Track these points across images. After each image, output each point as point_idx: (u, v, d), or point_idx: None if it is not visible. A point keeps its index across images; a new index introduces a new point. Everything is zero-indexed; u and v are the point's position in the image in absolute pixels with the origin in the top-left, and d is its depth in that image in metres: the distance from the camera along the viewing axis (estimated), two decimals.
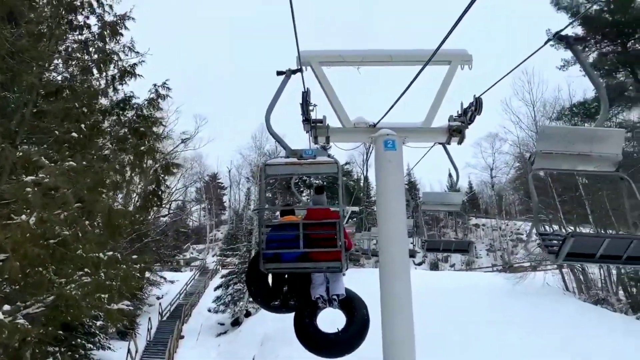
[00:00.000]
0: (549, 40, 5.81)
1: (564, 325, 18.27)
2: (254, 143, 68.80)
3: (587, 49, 29.50)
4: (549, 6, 32.52)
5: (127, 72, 12.46)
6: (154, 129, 9.61)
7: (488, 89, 8.18)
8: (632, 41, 29.00)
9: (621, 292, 25.64)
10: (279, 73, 7.61)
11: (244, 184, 73.71)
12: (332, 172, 6.80)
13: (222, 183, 79.89)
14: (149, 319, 26.67)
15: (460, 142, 8.97)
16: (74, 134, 7.16)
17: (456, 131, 8.75)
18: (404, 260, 7.86)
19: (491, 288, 25.99)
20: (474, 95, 8.39)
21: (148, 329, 25.78)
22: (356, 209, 37.64)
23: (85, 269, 6.36)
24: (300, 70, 7.77)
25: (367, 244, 26.85)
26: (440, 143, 9.17)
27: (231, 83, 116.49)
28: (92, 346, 20.27)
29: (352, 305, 7.02)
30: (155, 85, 14.75)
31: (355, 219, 41.53)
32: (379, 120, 8.67)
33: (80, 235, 5.71)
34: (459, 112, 8.85)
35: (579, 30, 30.89)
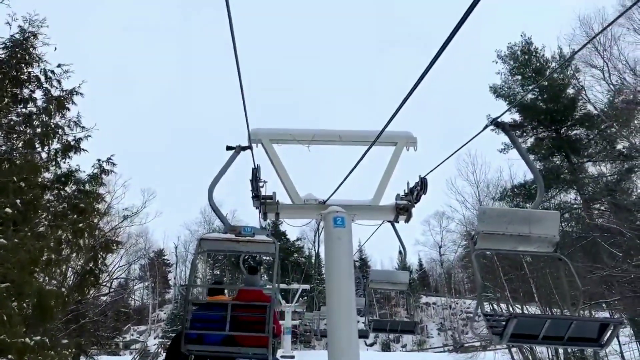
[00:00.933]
0: (487, 126, 6.17)
1: None
2: (202, 218, 67.75)
3: (524, 134, 31.62)
4: (489, 93, 35.04)
5: (71, 147, 12.10)
6: (96, 204, 9.26)
7: (431, 171, 8.52)
8: (565, 128, 31.30)
9: None
10: (229, 148, 7.67)
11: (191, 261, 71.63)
12: (270, 252, 6.59)
13: (168, 260, 77.19)
14: None
15: (407, 220, 9.15)
16: (8, 210, 6.77)
17: (403, 209, 8.96)
18: (353, 341, 7.66)
19: None
20: (419, 176, 8.68)
21: None
22: (307, 286, 37.00)
23: (9, 356, 5.76)
24: (250, 147, 7.86)
25: (317, 323, 26.21)
26: (388, 221, 9.35)
27: (180, 158, 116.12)
28: None
29: None
30: (99, 160, 14.40)
31: (305, 297, 40.68)
32: (329, 198, 8.77)
33: (5, 318, 5.22)
34: (406, 191, 9.11)
35: (517, 117, 33.29)
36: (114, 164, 14.29)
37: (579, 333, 4.23)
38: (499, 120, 6.42)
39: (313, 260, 55.74)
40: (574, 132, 31.22)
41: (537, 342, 4.31)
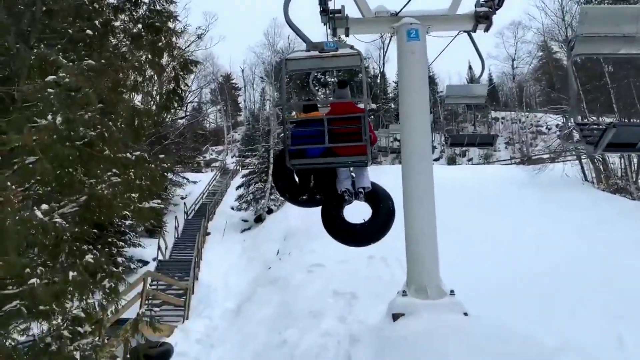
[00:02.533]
0: None
1: (581, 213, 18.53)
2: (266, 40, 66.78)
3: None
4: None
5: None
6: (169, 24, 9.20)
7: None
8: None
9: None
10: None
11: (259, 84, 72.49)
12: (355, 64, 6.57)
13: (236, 84, 78.66)
14: (175, 217, 27.68)
15: (487, 29, 8.61)
16: (89, 32, 6.91)
17: (483, 17, 8.40)
18: (427, 155, 7.89)
19: (510, 179, 26.11)
20: None
21: (175, 226, 26.84)
22: (374, 106, 37.26)
23: (114, 169, 6.45)
24: None
25: (385, 141, 26.84)
26: (465, 31, 8.81)
27: None
28: (123, 244, 21.39)
29: (378, 198, 7.13)
30: None
31: (372, 116, 41.15)
32: (402, 9, 8.29)
33: (106, 135, 5.71)
34: None
35: None
36: None
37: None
38: None
39: (379, 80, 55.07)
40: None
41: (635, 150, 4.32)
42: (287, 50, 50.79)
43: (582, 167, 29.15)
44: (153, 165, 7.01)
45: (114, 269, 7.15)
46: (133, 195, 6.88)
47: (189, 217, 31.79)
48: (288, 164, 6.12)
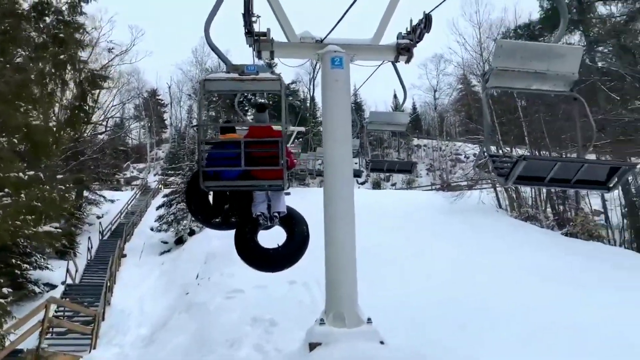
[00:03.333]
0: None
1: (495, 239, 19.44)
2: (194, 58, 65.81)
3: None
4: None
5: None
6: (77, 35, 8.65)
7: (437, 6, 7.97)
8: None
9: (549, 210, 27.41)
10: None
11: (186, 101, 71.09)
12: (276, 89, 6.51)
13: (162, 100, 76.63)
14: (89, 238, 26.18)
15: (408, 61, 8.84)
16: None
17: (404, 49, 8.60)
18: (349, 180, 7.88)
19: (430, 205, 27.08)
20: (424, 12, 8.15)
21: (88, 248, 25.35)
22: (302, 129, 37.40)
23: (5, 189, 5.89)
24: None
25: (312, 164, 27.03)
26: (389, 61, 9.01)
27: None
28: (28, 266, 19.78)
29: (293, 222, 7.17)
30: None
31: (301, 139, 41.37)
32: (326, 36, 8.34)
33: None
34: (408, 30, 8.65)
35: None
36: None
37: (587, 176, 4.24)
38: None
39: (308, 104, 55.69)
40: None
41: (543, 184, 4.42)
42: (215, 69, 50.24)
43: (497, 195, 30.77)
44: (49, 187, 6.48)
45: None
46: (28, 217, 6.31)
47: (104, 238, 30.19)
48: (202, 185, 5.95)
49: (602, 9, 26.90)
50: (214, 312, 12.45)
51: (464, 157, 61.14)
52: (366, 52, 8.72)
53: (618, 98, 20.89)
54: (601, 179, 4.35)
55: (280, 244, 7.08)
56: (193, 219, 28.83)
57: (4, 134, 5.76)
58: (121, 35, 56.36)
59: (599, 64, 25.54)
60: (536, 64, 4.54)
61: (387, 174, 54.70)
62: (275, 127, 6.93)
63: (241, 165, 5.82)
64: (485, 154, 4.81)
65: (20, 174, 5.86)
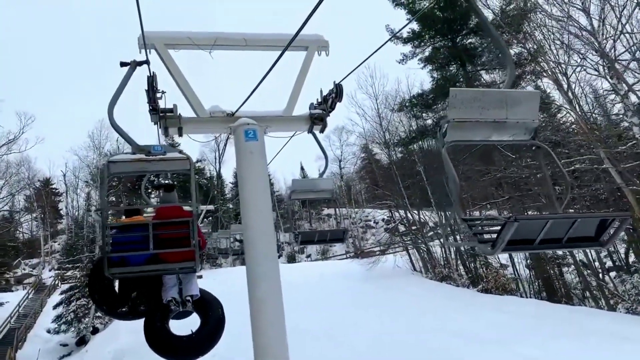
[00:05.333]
0: (389, 39, 5.77)
1: (414, 303, 19.49)
2: (91, 142, 63.08)
3: (422, 44, 32.02)
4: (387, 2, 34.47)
5: None
6: None
7: (346, 77, 8.13)
8: (460, 37, 32.07)
9: (462, 268, 28.28)
10: (123, 64, 6.95)
11: (83, 189, 67.07)
12: (184, 168, 6.27)
13: (56, 189, 71.82)
14: None
15: (322, 130, 8.78)
16: None
17: (318, 119, 8.54)
18: (273, 257, 7.39)
19: (347, 274, 26.98)
20: (334, 82, 8.23)
21: None
22: (211, 207, 36.44)
23: None
24: (147, 62, 7.13)
25: (225, 242, 25.98)
26: (302, 132, 8.92)
27: (61, 77, 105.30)
28: None
29: (207, 306, 6.87)
30: None
31: (210, 218, 40.20)
32: (238, 109, 8.10)
33: None
34: (319, 100, 8.67)
35: (415, 26, 33.36)
36: None
37: (578, 232, 3.87)
38: None
39: (215, 182, 54.88)
40: (469, 40, 32.18)
41: (533, 247, 3.86)
42: (115, 152, 48.31)
43: (410, 258, 31.39)
44: None
45: None
46: None
47: None
48: (107, 272, 5.43)
49: (486, 77, 29.63)
50: None
51: (374, 222, 62.67)
52: (280, 124, 8.58)
53: (513, 156, 22.39)
54: (590, 234, 3.97)
55: (194, 331, 6.65)
56: (96, 313, 26.48)
57: None
58: (8, 122, 53.14)
59: None
60: (494, 112, 4.29)
61: (302, 246, 54.36)
62: (186, 208, 6.74)
63: (150, 249, 5.47)
64: (458, 218, 4.29)
65: None
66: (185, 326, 6.69)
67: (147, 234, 5.51)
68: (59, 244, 62.53)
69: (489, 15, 21.69)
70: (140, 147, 5.97)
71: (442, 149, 4.26)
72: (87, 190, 64.26)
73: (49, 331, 28.68)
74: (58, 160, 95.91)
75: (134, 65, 6.85)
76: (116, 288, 6.67)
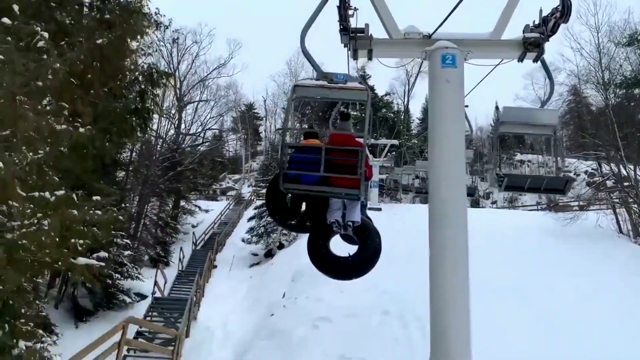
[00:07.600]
0: None
1: (624, 276, 16.75)
2: (288, 69, 66.66)
3: None
4: None
5: None
6: (132, 20, 7.96)
7: None
8: None
9: None
10: None
11: (280, 115, 72.08)
12: (362, 99, 6.33)
13: (258, 113, 78.49)
14: (181, 248, 26.43)
15: (536, 59, 7.29)
16: (44, 34, 5.81)
17: (532, 45, 7.09)
18: (462, 203, 6.46)
19: (540, 229, 24.26)
20: None
21: (180, 258, 25.52)
22: (395, 142, 35.89)
23: (28, 211, 5.10)
24: None
25: (406, 179, 25.43)
26: (510, 60, 7.51)
27: (267, 6, 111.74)
28: (119, 276, 19.92)
29: (366, 234, 7.08)
30: None
31: (394, 152, 39.80)
32: (435, 30, 7.05)
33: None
34: (536, 22, 7.16)
35: None
36: None
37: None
38: None
39: (402, 117, 54.02)
40: None
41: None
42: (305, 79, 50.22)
43: (617, 218, 27.26)
44: (76, 212, 5.57)
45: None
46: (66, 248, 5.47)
47: (197, 248, 30.54)
48: (281, 187, 6.08)
49: None
50: (299, 344, 11.31)
51: (574, 174, 56.06)
52: (485, 49, 7.31)
53: None
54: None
55: (351, 254, 6.98)
56: (283, 230, 28.52)
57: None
58: (220, 48, 58.68)
59: None
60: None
61: (488, 191, 51.41)
62: (357, 137, 6.77)
63: (320, 171, 5.88)
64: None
65: (46, 194, 5.08)
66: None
67: (320, 157, 5.86)
68: (257, 164, 68.99)
69: None
70: (324, 73, 6.22)
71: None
72: (283, 116, 69.01)
73: (243, 240, 31.97)
74: (260, 86, 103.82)
75: None
76: (288, 202, 7.23)
